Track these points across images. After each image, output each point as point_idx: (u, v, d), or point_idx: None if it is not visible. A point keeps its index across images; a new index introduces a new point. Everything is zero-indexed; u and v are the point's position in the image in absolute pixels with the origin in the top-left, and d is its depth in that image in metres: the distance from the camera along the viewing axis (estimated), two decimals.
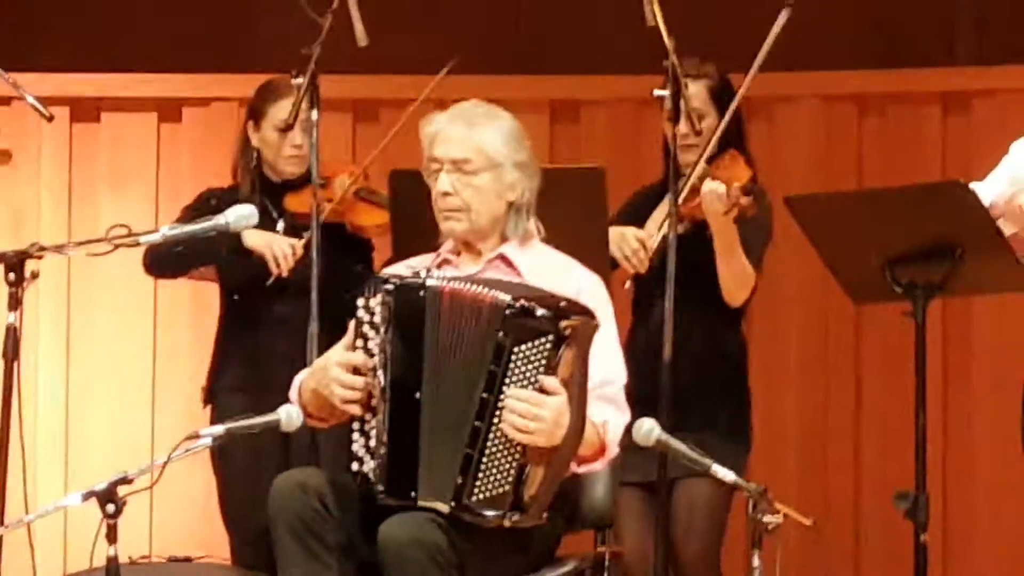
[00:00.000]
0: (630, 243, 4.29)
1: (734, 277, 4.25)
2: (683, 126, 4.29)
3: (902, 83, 5.84)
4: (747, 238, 4.31)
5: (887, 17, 6.28)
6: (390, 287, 3.45)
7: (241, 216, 3.88)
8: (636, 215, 4.51)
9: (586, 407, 3.42)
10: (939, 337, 4.97)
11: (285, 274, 4.63)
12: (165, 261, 4.76)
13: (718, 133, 4.37)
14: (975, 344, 5.44)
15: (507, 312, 3.29)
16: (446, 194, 3.63)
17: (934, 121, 5.50)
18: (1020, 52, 4.37)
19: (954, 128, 5.21)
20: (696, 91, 4.43)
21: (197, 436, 3.41)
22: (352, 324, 3.55)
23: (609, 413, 3.55)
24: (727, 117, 4.41)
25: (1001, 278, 4.07)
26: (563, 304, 3.36)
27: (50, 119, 4.66)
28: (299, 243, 4.55)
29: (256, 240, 4.54)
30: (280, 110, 4.67)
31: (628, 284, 4.52)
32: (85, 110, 5.73)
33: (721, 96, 4.56)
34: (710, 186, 4.17)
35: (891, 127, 5.74)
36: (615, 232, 4.45)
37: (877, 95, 5.89)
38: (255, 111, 4.70)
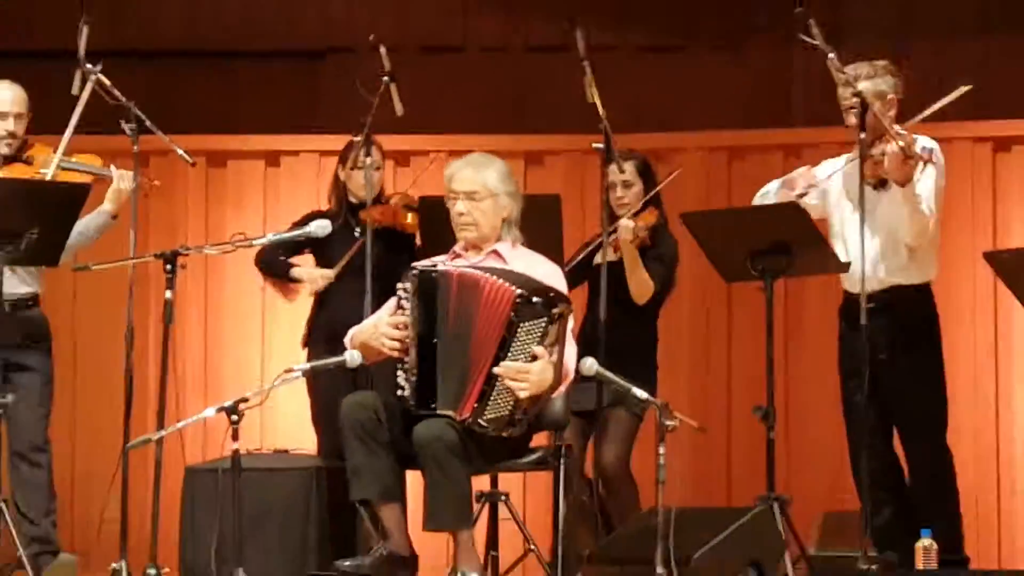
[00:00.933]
0: None
1: (636, 286, 4.26)
2: (619, 190, 4.36)
3: (755, 139, 5.79)
4: (654, 261, 4.35)
5: (741, 88, 6.25)
6: (415, 272, 3.51)
7: (319, 226, 3.91)
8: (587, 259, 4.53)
9: (562, 360, 3.46)
10: (782, 305, 4.83)
11: (318, 289, 4.79)
12: (265, 263, 4.84)
13: (644, 199, 4.40)
14: (806, 309, 5.27)
15: (517, 299, 3.33)
16: (461, 214, 3.68)
17: (778, 165, 5.30)
18: (836, 116, 4.24)
19: (789, 169, 5.12)
20: (628, 168, 4.40)
21: (291, 371, 3.49)
22: (395, 298, 3.58)
23: (570, 352, 3.55)
24: (651, 193, 4.44)
25: (821, 265, 3.98)
26: (552, 294, 3.41)
27: (193, 164, 4.55)
28: (331, 273, 4.67)
29: (299, 273, 4.73)
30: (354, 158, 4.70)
31: None
32: (216, 158, 5.71)
33: (645, 171, 4.55)
34: (623, 223, 4.22)
35: (749, 169, 5.63)
36: None
37: (740, 147, 5.81)
38: (342, 158, 4.69)
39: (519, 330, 3.34)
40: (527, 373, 3.26)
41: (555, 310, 3.34)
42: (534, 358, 3.29)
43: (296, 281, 4.78)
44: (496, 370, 3.28)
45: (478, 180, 3.66)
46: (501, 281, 3.37)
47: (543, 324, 3.31)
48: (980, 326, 5.26)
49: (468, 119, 6.34)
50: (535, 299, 3.31)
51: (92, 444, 5.31)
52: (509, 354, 3.29)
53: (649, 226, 4.35)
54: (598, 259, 4.28)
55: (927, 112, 3.82)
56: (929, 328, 4.05)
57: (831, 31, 4.41)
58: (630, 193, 4.48)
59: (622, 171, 4.31)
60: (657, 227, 4.41)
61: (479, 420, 3.31)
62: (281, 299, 5.09)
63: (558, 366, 3.35)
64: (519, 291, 3.29)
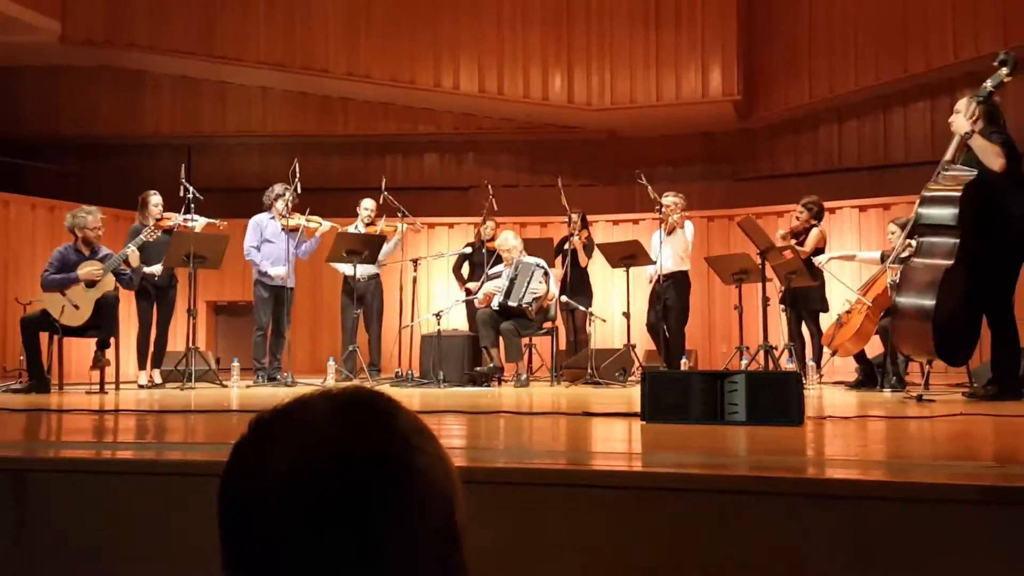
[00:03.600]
0: None
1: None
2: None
3: None
4: None
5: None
6: (512, 264, 8.26)
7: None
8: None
9: (549, 290, 8.28)
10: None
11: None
12: None
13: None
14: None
15: (536, 267, 8.06)
16: (507, 252, 8.18)
17: None
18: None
19: None
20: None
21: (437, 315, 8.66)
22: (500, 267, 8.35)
23: (553, 288, 8.14)
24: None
25: (648, 261, 8.35)
26: (548, 270, 8.13)
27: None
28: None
29: None
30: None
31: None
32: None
33: None
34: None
35: None
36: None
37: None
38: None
39: (532, 278, 7.95)
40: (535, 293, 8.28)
41: (547, 275, 8.25)
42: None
43: None
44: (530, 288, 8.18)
45: (511, 243, 8.28)
46: (529, 261, 8.16)
47: (543, 273, 8.14)
48: None
49: (490, 179, 11.18)
50: (542, 266, 8.19)
51: None
52: (530, 286, 8.10)
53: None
54: (566, 247, 8.75)
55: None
56: (686, 287, 8.72)
57: None
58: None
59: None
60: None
61: (519, 304, 7.90)
62: None
63: (548, 291, 8.22)
64: (538, 264, 8.15)
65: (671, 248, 8.51)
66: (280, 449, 0.78)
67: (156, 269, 7.66)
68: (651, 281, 8.60)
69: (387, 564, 0.76)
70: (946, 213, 5.17)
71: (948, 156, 5.39)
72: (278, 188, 8.29)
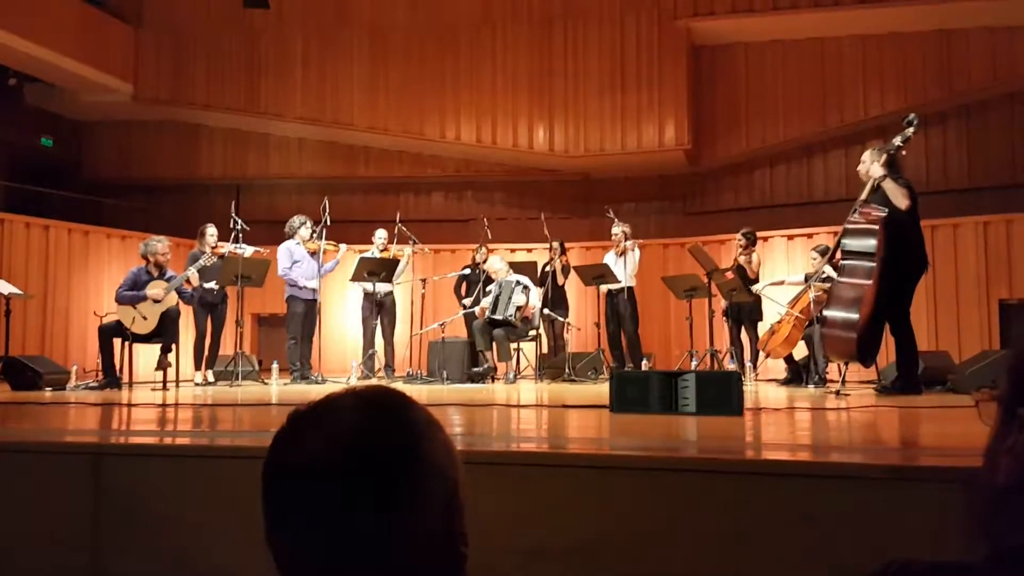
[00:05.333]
0: None
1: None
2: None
3: None
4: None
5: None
6: (496, 281, 8.27)
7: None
8: None
9: (529, 302, 8.15)
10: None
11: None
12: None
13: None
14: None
15: (516, 283, 7.99)
16: (494, 273, 8.27)
17: None
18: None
19: None
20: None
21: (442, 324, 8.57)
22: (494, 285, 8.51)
23: (534, 300, 8.12)
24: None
25: (615, 279, 8.26)
26: (526, 283, 8.12)
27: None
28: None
29: None
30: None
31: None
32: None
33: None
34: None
35: None
36: None
37: None
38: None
39: (513, 291, 7.96)
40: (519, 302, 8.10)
41: (527, 289, 8.16)
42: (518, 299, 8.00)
43: None
44: (512, 301, 8.15)
45: (498, 265, 8.28)
46: (512, 281, 8.16)
47: (523, 289, 8.04)
48: None
49: (488, 215, 11.26)
50: (524, 284, 8.17)
51: None
52: (512, 299, 8.06)
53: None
54: (547, 269, 8.75)
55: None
56: (635, 302, 8.51)
57: None
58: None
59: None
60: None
61: (504, 318, 7.91)
62: None
63: (527, 302, 8.14)
64: (517, 281, 8.15)
65: (623, 268, 8.45)
66: (314, 434, 0.79)
67: (213, 285, 7.68)
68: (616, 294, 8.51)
69: (400, 528, 0.76)
70: (866, 243, 5.18)
71: (863, 196, 5.42)
72: (297, 220, 8.27)
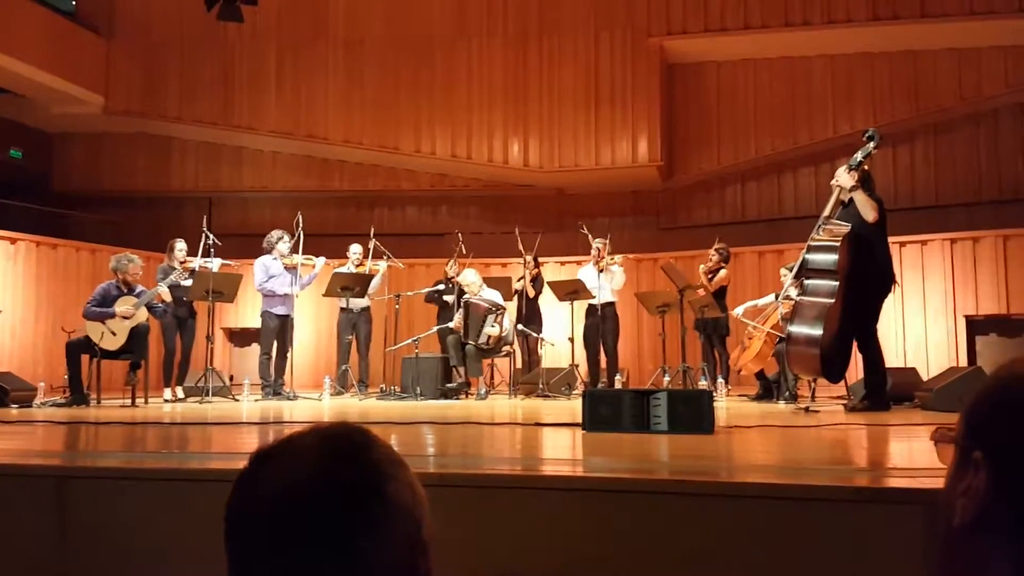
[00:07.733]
0: None
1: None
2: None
3: None
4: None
5: None
6: (465, 302, 8.12)
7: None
8: None
9: (502, 327, 8.10)
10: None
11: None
12: None
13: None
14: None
15: (489, 310, 7.91)
16: (467, 287, 8.13)
17: None
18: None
19: None
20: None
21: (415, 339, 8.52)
22: (464, 311, 8.40)
23: (507, 324, 8.05)
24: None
25: (588, 296, 8.33)
26: (497, 307, 7.86)
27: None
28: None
29: None
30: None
31: None
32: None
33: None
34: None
35: None
36: None
37: None
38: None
39: (490, 318, 7.86)
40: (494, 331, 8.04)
41: (498, 312, 8.02)
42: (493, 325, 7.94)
43: None
44: (485, 331, 8.08)
45: (472, 278, 8.15)
46: (481, 303, 8.01)
47: (498, 315, 8.04)
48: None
49: (463, 229, 11.22)
50: (495, 310, 8.06)
51: None
52: (486, 325, 7.97)
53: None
54: (518, 287, 8.76)
55: None
56: (617, 316, 8.59)
57: None
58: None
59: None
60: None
61: (479, 345, 7.83)
62: None
63: (501, 330, 8.09)
64: (486, 307, 7.95)
65: (606, 284, 8.49)
66: (275, 480, 0.78)
67: (167, 292, 7.35)
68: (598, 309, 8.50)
69: (363, 570, 0.75)
70: (828, 259, 5.22)
71: (827, 212, 5.47)
72: (275, 235, 8.21)
